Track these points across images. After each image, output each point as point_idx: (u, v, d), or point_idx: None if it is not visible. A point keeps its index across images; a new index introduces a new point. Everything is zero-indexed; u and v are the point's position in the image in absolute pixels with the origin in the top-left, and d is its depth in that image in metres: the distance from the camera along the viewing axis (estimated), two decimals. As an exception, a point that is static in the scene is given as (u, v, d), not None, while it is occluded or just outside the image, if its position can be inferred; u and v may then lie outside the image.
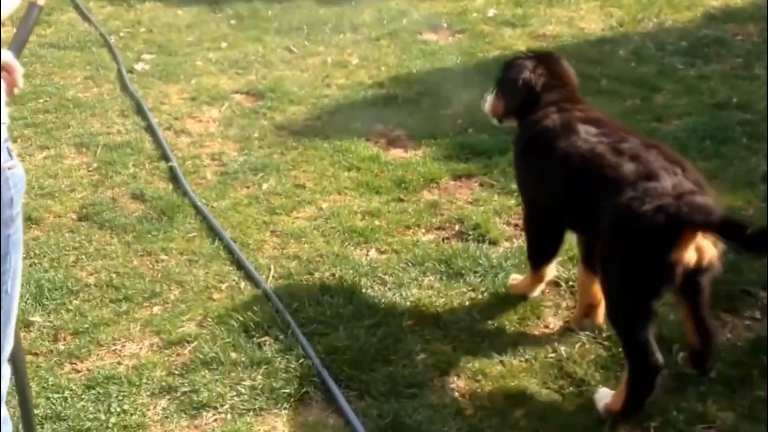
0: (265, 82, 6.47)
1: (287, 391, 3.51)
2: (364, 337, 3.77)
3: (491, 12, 7.71)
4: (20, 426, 2.97)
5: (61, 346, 3.81)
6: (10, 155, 2.42)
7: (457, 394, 3.51)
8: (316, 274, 4.25)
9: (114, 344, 3.83)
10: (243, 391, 3.53)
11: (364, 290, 4.11)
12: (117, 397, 3.51)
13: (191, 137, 5.69)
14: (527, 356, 3.68)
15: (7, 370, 2.68)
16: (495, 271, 4.19)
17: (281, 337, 3.79)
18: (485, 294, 4.06)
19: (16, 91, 2.45)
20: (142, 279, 4.24)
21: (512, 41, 7.01)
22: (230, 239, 4.50)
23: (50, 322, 3.96)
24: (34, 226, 4.63)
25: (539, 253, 3.96)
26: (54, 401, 3.48)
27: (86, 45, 7.22)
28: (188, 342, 3.81)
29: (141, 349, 3.81)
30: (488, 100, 4.00)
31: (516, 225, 4.51)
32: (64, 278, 4.22)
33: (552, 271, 4.01)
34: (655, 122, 5.54)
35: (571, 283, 4.07)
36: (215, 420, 3.42)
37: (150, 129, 5.74)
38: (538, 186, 3.75)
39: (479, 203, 4.79)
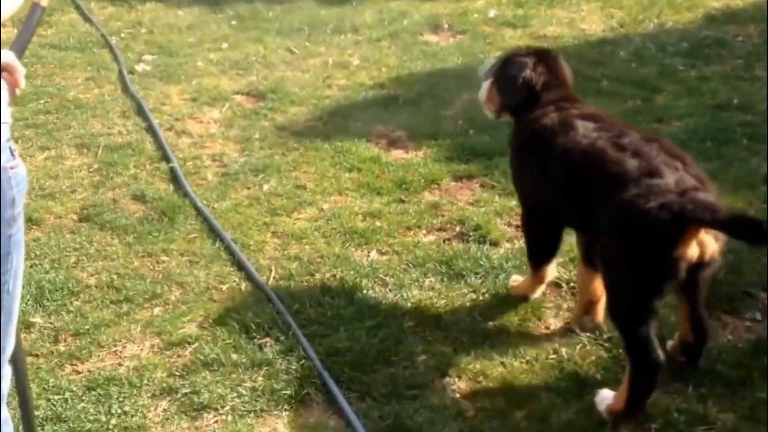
0: (266, 83, 6.47)
1: (288, 392, 3.51)
2: (365, 338, 3.77)
3: (492, 13, 7.71)
4: (20, 427, 2.97)
5: (61, 348, 3.81)
6: (12, 155, 2.42)
7: (458, 395, 3.51)
8: (317, 275, 4.25)
9: (115, 345, 3.83)
10: (244, 392, 3.52)
11: (365, 291, 4.11)
12: (118, 398, 3.51)
13: (192, 138, 5.69)
14: (528, 357, 3.68)
15: (8, 370, 2.68)
16: (496, 272, 4.19)
17: (282, 338, 3.79)
18: (486, 295, 4.06)
19: (17, 91, 2.45)
20: (143, 280, 4.24)
21: (513, 42, 6.99)
22: (231, 240, 4.50)
23: (51, 323, 3.96)
24: (34, 227, 4.63)
25: (539, 252, 3.95)
26: (54, 402, 3.47)
27: (87, 46, 7.22)
28: (189, 343, 3.81)
29: (142, 350, 3.81)
30: (484, 89, 3.98)
31: (517, 226, 4.50)
32: (64, 279, 4.22)
33: (552, 271, 4.01)
34: (655, 123, 5.54)
35: (572, 284, 4.07)
36: (216, 421, 3.42)
37: (151, 130, 5.74)
38: (536, 184, 3.74)
39: (480, 204, 4.79)
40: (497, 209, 4.72)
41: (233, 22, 7.74)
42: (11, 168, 2.41)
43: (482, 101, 4.02)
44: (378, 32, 7.42)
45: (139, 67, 6.80)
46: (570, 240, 3.97)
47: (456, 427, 3.34)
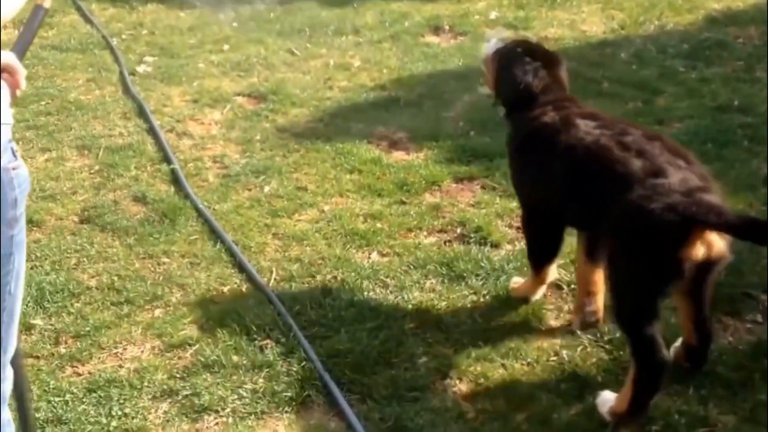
0: (267, 84, 6.47)
1: (289, 394, 3.51)
2: (365, 340, 3.77)
3: (493, 14, 7.71)
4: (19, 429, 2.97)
5: (62, 349, 3.81)
6: (14, 155, 2.42)
7: (459, 397, 3.51)
8: (318, 277, 4.25)
9: (115, 347, 3.83)
10: (244, 394, 3.52)
11: (365, 293, 4.11)
12: (118, 400, 3.51)
13: (193, 140, 5.69)
14: (529, 359, 3.68)
15: (10, 372, 2.68)
16: (497, 274, 4.19)
17: (283, 340, 3.79)
18: (487, 297, 4.06)
19: (18, 92, 2.45)
20: (144, 282, 4.24)
21: (514, 44, 7.00)
22: (232, 242, 4.50)
23: (51, 325, 3.96)
24: (35, 228, 4.63)
25: (540, 252, 3.95)
26: (55, 405, 3.47)
27: (88, 47, 7.23)
28: (190, 345, 3.81)
29: (142, 352, 3.81)
30: (487, 69, 3.99)
31: (518, 228, 4.50)
32: (65, 281, 4.22)
33: (553, 272, 4.00)
34: (656, 125, 5.53)
35: (573, 285, 4.06)
36: (216, 424, 3.42)
37: (152, 131, 5.74)
38: (537, 183, 3.74)
39: (481, 206, 4.79)
40: (498, 211, 4.71)
41: (234, 24, 7.74)
42: (13, 169, 2.41)
43: (483, 77, 4.05)
44: (379, 34, 7.42)
45: (140, 69, 6.81)
46: (570, 241, 3.97)
47: (457, 428, 3.34)
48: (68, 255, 4.46)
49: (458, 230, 4.59)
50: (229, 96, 6.31)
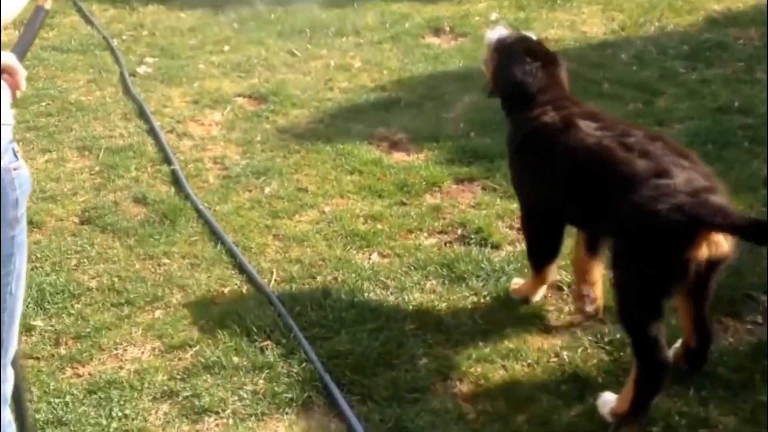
0: (267, 85, 6.48)
1: (289, 395, 3.51)
2: (366, 341, 3.77)
3: (494, 16, 7.70)
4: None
5: (62, 351, 3.81)
6: (15, 156, 2.43)
7: (459, 398, 3.51)
8: (319, 278, 4.25)
9: (116, 348, 3.83)
10: (245, 395, 3.53)
11: (366, 294, 4.11)
12: (118, 401, 3.51)
13: (193, 140, 5.69)
14: (529, 360, 3.68)
15: (11, 372, 2.68)
16: (497, 275, 4.19)
17: (283, 341, 3.79)
18: (487, 298, 4.06)
19: (18, 93, 2.45)
20: (144, 283, 4.24)
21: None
22: (232, 243, 4.50)
23: (52, 326, 3.96)
24: (35, 229, 4.63)
25: (540, 252, 3.95)
26: (55, 406, 3.47)
27: (89, 48, 7.23)
28: (190, 346, 3.81)
29: (143, 353, 3.81)
30: (487, 59, 4.01)
31: (519, 229, 4.49)
32: (65, 282, 4.23)
33: (554, 272, 4.00)
34: (656, 126, 5.53)
35: (573, 287, 4.06)
36: (217, 425, 3.42)
37: (152, 132, 5.74)
38: (537, 183, 3.75)
39: (481, 207, 4.79)
40: (499, 212, 4.71)
41: (235, 25, 7.74)
42: (14, 169, 2.41)
43: (484, 65, 4.06)
44: (379, 35, 7.42)
45: (141, 70, 6.81)
46: (571, 242, 3.97)
47: (457, 430, 3.34)
48: (68, 256, 4.46)
49: (459, 231, 4.59)
50: (230, 97, 6.31)
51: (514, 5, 7.96)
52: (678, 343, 3.54)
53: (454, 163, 5.25)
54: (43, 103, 6.18)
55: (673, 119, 5.67)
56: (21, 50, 2.65)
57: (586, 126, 3.51)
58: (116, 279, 4.27)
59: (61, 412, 3.44)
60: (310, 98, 6.25)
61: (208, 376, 3.63)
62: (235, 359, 3.71)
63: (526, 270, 4.09)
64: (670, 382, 3.38)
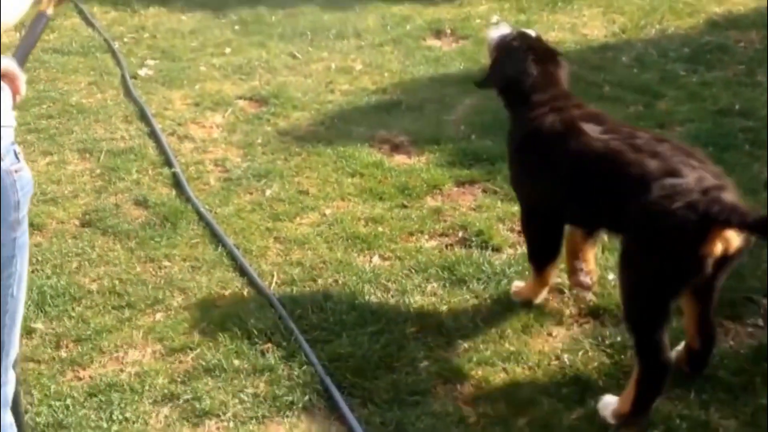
0: (268, 87, 6.47)
1: (290, 398, 3.51)
2: (367, 344, 3.77)
3: (495, 18, 7.69)
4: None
5: (63, 354, 3.81)
6: (17, 158, 2.43)
7: (460, 401, 3.51)
8: (320, 281, 4.25)
9: (116, 351, 3.83)
10: (246, 398, 3.53)
11: (367, 297, 4.11)
12: (119, 404, 3.51)
13: (194, 143, 5.69)
14: (530, 363, 3.68)
15: (12, 375, 2.68)
16: (498, 277, 4.19)
17: (284, 344, 3.79)
18: (488, 301, 4.06)
19: (17, 98, 2.45)
20: (145, 286, 4.24)
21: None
22: (233, 246, 4.50)
23: (52, 329, 3.96)
24: (36, 232, 4.63)
25: (540, 252, 3.96)
26: (56, 409, 3.47)
27: (90, 50, 7.23)
28: (191, 349, 3.81)
29: (143, 356, 3.81)
30: (489, 53, 4.03)
31: (519, 232, 4.49)
32: (66, 285, 4.23)
33: (554, 274, 4.00)
34: (657, 128, 5.52)
35: (574, 290, 4.07)
36: (218, 428, 3.42)
37: (153, 135, 5.74)
38: (538, 182, 3.75)
39: (482, 210, 4.79)
40: (499, 215, 4.71)
41: (236, 27, 7.74)
42: (16, 171, 2.42)
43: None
44: (380, 37, 7.42)
45: (142, 72, 6.81)
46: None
47: (458, 433, 3.34)
48: (69, 259, 4.46)
49: (460, 234, 4.59)
50: (231, 99, 6.31)
51: (515, 7, 7.96)
52: (680, 346, 3.54)
53: (455, 166, 5.25)
54: (44, 106, 6.17)
55: (673, 122, 5.68)
56: (21, 55, 2.65)
57: (592, 129, 3.52)
58: (117, 282, 4.27)
59: (61, 416, 3.44)
60: (311, 101, 6.25)
61: (209, 379, 3.63)
62: (236, 362, 3.71)
63: (527, 273, 4.09)
64: (671, 385, 3.38)
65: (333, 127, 5.85)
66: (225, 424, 3.43)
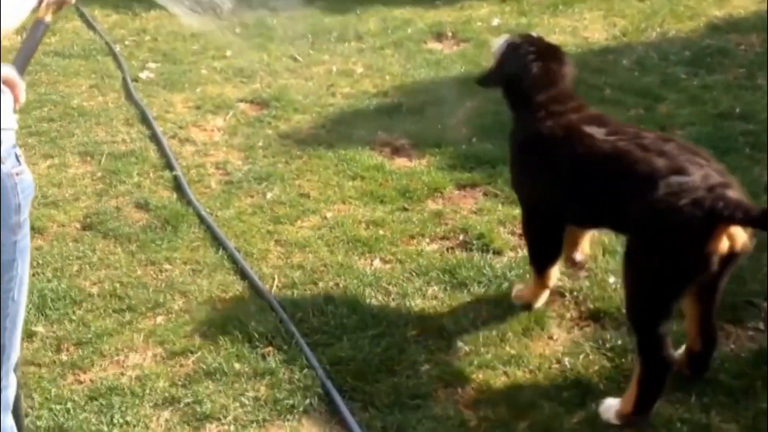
0: (269, 90, 6.48)
1: (291, 402, 3.51)
2: (368, 347, 3.77)
3: (495, 21, 7.71)
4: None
5: (63, 357, 3.81)
6: (18, 161, 2.43)
7: (461, 405, 3.50)
8: (320, 284, 4.25)
9: (117, 355, 3.83)
10: (246, 402, 3.52)
11: (368, 300, 4.11)
12: (120, 408, 3.51)
13: (196, 146, 5.70)
14: (531, 367, 3.68)
15: (13, 379, 2.68)
16: (499, 281, 4.19)
17: (285, 347, 3.79)
18: (489, 304, 4.06)
19: (17, 106, 2.46)
20: (146, 289, 4.24)
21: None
22: (234, 249, 4.50)
23: (53, 332, 3.96)
24: (37, 235, 4.62)
25: (541, 253, 3.96)
26: (56, 413, 3.47)
27: (91, 53, 7.24)
28: (192, 352, 3.81)
29: (144, 359, 3.81)
30: (497, 47, 4.03)
31: (520, 235, 4.48)
32: (67, 288, 4.23)
33: (556, 275, 4.01)
34: (658, 132, 5.53)
35: (575, 293, 4.07)
36: None
37: (154, 138, 5.75)
38: (542, 183, 3.75)
39: (483, 213, 4.79)
40: (500, 218, 4.71)
41: (237, 30, 7.74)
42: (17, 174, 2.42)
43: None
44: (382, 40, 7.42)
45: (143, 75, 6.82)
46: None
47: (459, 436, 3.34)
48: (70, 262, 4.46)
49: (460, 237, 4.59)
50: (232, 102, 6.32)
51: (515, 11, 7.96)
52: (681, 349, 3.54)
53: (456, 169, 5.25)
54: (45, 109, 6.18)
55: (674, 125, 5.67)
56: (21, 63, 2.65)
57: (596, 130, 3.53)
58: (118, 285, 4.27)
59: (62, 419, 3.44)
60: (312, 104, 6.25)
61: (210, 382, 3.63)
62: (237, 365, 3.71)
63: (527, 276, 4.09)
64: (672, 388, 3.38)
65: (334, 130, 5.86)
66: (226, 427, 3.43)
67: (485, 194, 4.99)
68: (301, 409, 3.49)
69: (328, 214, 4.85)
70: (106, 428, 3.41)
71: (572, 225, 3.88)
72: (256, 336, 3.85)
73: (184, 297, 4.19)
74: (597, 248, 4.31)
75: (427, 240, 4.60)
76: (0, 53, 2.42)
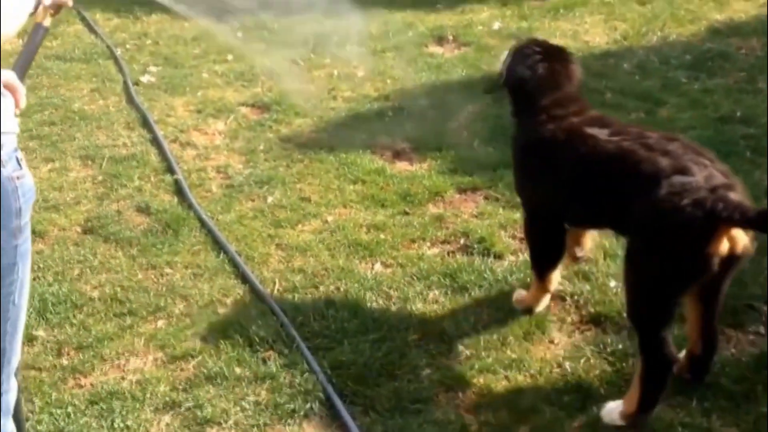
0: (270, 94, 6.48)
1: (291, 406, 3.51)
2: (368, 351, 3.77)
3: (496, 25, 7.71)
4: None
5: (64, 361, 3.81)
6: (19, 165, 2.43)
7: (462, 409, 3.50)
8: (321, 288, 4.25)
9: (118, 359, 3.83)
10: (247, 406, 3.52)
11: (369, 304, 4.10)
12: (120, 412, 3.51)
13: (197, 150, 5.70)
14: (532, 371, 3.67)
15: (14, 383, 2.68)
16: (500, 285, 4.19)
17: (286, 351, 3.79)
18: (490, 308, 4.06)
19: (17, 111, 2.46)
20: (147, 293, 4.24)
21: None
22: (235, 252, 4.50)
23: (54, 336, 3.96)
24: (38, 239, 4.62)
25: (542, 256, 3.96)
26: (57, 417, 3.47)
27: (92, 57, 7.24)
28: (192, 357, 3.81)
29: (145, 363, 3.81)
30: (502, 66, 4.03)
31: (521, 239, 4.49)
32: (68, 292, 4.23)
33: (557, 279, 4.01)
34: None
35: (575, 297, 4.07)
36: (219, 435, 3.43)
37: (155, 141, 5.75)
38: (545, 186, 3.75)
39: (484, 217, 4.79)
40: (501, 222, 4.71)
41: (238, 34, 7.74)
42: (18, 178, 2.42)
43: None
44: (383, 44, 7.42)
45: (144, 79, 6.82)
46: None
47: (460, 441, 3.34)
48: (71, 266, 4.46)
49: (461, 241, 4.59)
50: (233, 106, 6.32)
51: (516, 15, 7.96)
52: (682, 353, 3.54)
53: (456, 173, 5.25)
54: (46, 112, 6.18)
55: (675, 129, 5.65)
56: (21, 68, 2.66)
57: (599, 131, 3.53)
58: (119, 289, 4.27)
59: (62, 423, 3.45)
60: (313, 107, 6.25)
61: (211, 386, 3.63)
62: (238, 370, 3.71)
63: (528, 280, 4.09)
64: (673, 392, 3.38)
65: (335, 134, 5.86)
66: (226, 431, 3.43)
67: (486, 198, 4.99)
68: (301, 413, 3.49)
69: (329, 218, 4.85)
70: (106, 432, 3.41)
71: (574, 226, 3.87)
72: (257, 340, 3.85)
73: (185, 301, 4.19)
74: (598, 252, 4.31)
75: (428, 244, 4.60)
76: (0, 57, 2.42)
